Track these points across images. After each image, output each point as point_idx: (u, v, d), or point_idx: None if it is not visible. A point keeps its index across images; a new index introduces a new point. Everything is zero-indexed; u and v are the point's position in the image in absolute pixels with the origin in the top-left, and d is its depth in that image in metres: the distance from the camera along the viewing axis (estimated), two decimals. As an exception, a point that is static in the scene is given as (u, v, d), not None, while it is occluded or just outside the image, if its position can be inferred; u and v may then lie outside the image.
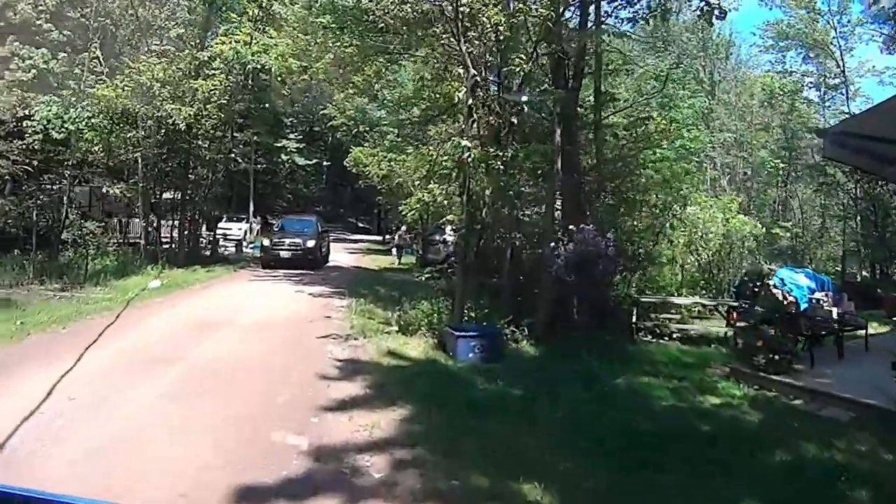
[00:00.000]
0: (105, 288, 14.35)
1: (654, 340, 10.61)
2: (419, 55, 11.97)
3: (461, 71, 9.85)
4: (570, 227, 9.43)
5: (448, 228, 19.85)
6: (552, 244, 9.41)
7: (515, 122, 9.78)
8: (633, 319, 10.89)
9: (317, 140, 41.96)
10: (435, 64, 11.09)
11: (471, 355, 8.16)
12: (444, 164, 9.63)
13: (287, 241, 20.45)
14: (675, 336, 10.79)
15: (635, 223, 13.35)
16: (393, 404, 6.22)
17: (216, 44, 18.55)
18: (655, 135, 12.83)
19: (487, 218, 9.63)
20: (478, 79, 9.29)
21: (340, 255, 25.97)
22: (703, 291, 14.14)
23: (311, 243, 20.53)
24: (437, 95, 14.84)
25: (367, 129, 29.33)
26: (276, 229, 23.36)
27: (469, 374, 7.64)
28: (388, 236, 35.20)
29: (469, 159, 8.66)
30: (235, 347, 8.70)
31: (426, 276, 10.38)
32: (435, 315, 9.84)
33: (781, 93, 30.81)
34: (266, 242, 21.18)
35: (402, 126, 23.75)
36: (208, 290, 14.96)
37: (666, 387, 7.53)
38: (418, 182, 23.83)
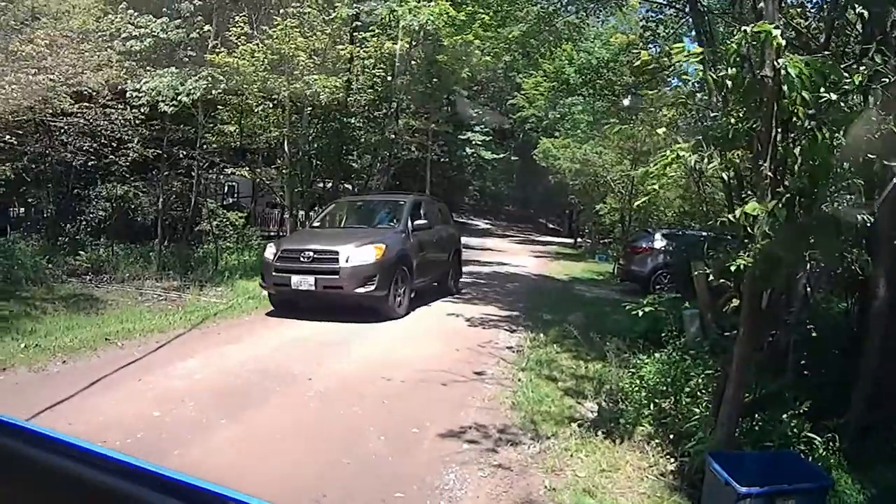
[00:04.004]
0: (226, 289, 12.07)
1: None
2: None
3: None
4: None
5: (658, 234, 15.08)
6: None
7: (865, 14, 4.48)
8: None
9: (507, 138, 38.67)
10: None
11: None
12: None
13: (311, 248, 9.42)
14: None
15: None
16: None
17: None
18: None
19: (805, 216, 4.33)
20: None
21: (524, 260, 22.06)
22: None
23: (365, 254, 9.15)
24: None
25: (559, 117, 25.81)
26: (314, 224, 11.86)
27: None
28: (580, 239, 31.18)
29: (793, 74, 3.31)
30: (252, 463, 4.38)
31: (645, 308, 5.41)
32: (666, 393, 5.16)
33: None
34: (269, 254, 9.74)
35: (597, 103, 19.50)
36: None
37: None
38: (622, 170, 19.41)
